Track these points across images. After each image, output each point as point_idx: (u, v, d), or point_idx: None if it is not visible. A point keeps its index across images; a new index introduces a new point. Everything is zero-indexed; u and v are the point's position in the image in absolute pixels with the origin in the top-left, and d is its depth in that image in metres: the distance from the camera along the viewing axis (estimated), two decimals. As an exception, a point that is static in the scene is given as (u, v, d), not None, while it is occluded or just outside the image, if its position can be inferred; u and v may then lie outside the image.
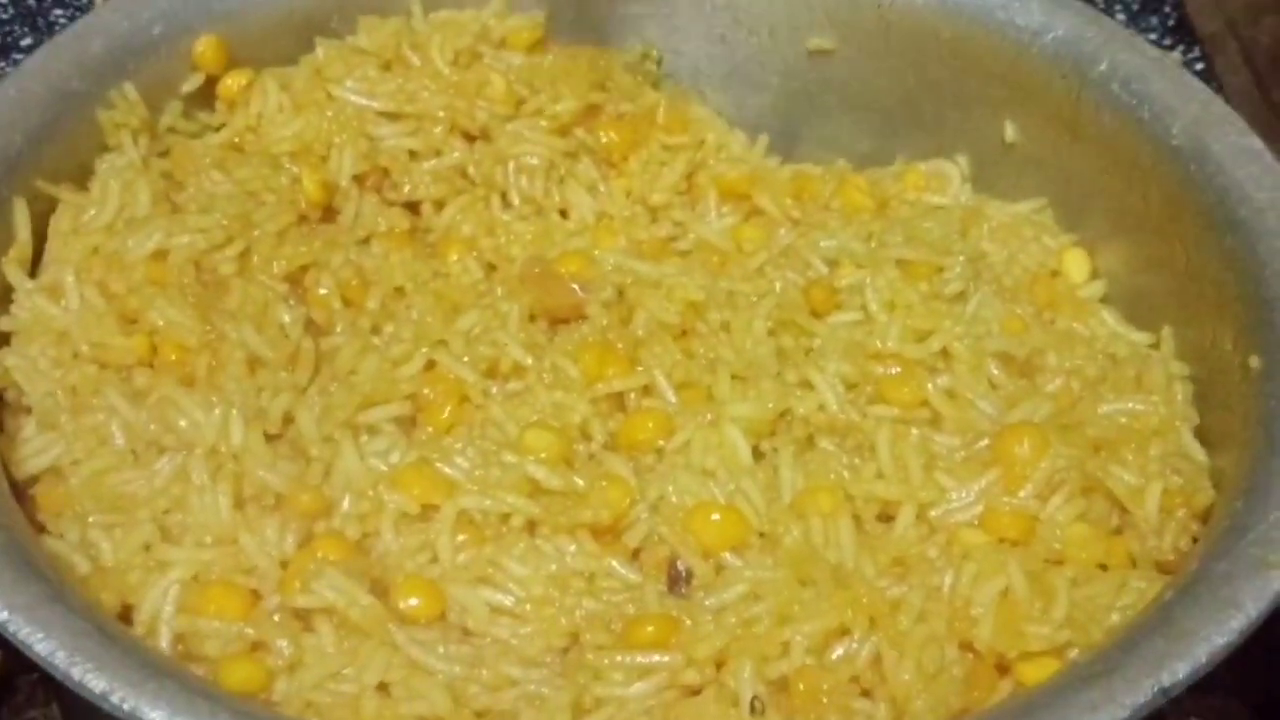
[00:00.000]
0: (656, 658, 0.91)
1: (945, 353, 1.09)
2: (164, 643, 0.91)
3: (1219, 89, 1.52)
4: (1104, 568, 0.99)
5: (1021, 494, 1.01)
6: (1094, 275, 1.21)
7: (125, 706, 0.80)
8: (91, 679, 0.80)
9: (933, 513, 1.01)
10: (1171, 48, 1.66)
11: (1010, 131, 1.27)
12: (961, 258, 1.15)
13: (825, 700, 0.89)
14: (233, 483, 0.96)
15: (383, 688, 0.90)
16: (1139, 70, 1.18)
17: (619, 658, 0.91)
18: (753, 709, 0.89)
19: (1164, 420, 1.07)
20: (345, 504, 0.97)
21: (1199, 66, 1.63)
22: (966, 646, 0.93)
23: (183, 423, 0.98)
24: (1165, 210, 1.15)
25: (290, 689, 0.89)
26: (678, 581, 0.97)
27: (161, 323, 1.03)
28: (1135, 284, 1.19)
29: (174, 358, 1.02)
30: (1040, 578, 0.95)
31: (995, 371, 1.09)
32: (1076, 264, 1.22)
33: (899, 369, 1.07)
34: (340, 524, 0.96)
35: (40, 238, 1.09)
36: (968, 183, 1.30)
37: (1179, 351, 1.12)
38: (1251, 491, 0.95)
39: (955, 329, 1.09)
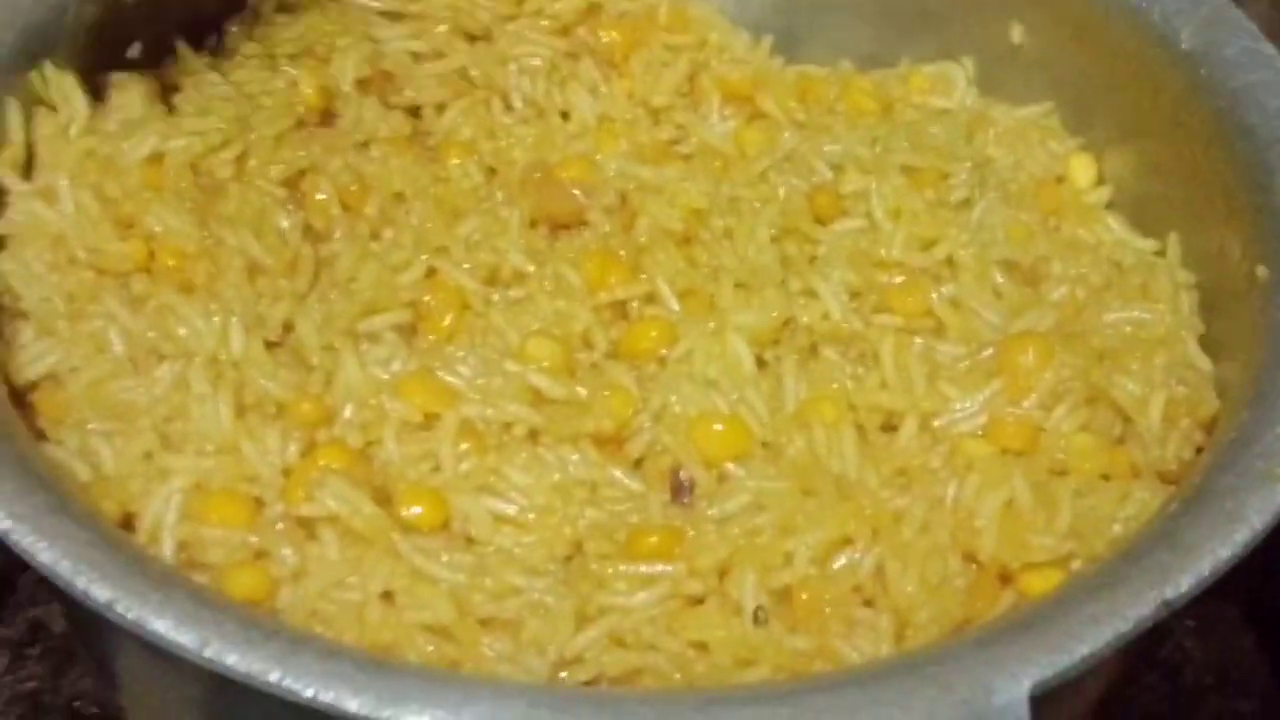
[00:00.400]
0: (660, 567, 0.91)
1: (950, 261, 1.09)
2: (167, 551, 0.90)
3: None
4: (1106, 478, 0.99)
5: (1025, 404, 1.00)
6: (1100, 181, 1.20)
7: (130, 616, 0.79)
8: (96, 589, 0.80)
9: (936, 422, 1.01)
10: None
11: (1017, 33, 1.25)
12: (967, 164, 1.14)
13: (828, 610, 0.89)
14: (233, 391, 0.95)
15: (387, 596, 0.90)
16: (1150, -28, 1.16)
17: (622, 567, 0.91)
18: (756, 618, 0.89)
19: (1169, 329, 1.06)
20: (347, 412, 0.96)
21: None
22: (970, 557, 0.93)
23: (182, 330, 0.97)
24: (1174, 115, 1.13)
25: (295, 597, 0.89)
26: (681, 491, 0.96)
27: (159, 229, 1.02)
28: (1142, 190, 1.18)
29: (172, 264, 1.01)
30: (1044, 488, 0.95)
31: (1000, 280, 1.08)
32: (1083, 169, 1.21)
33: (903, 278, 1.07)
34: (342, 432, 0.96)
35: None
36: (973, 86, 1.28)
37: (1185, 259, 1.11)
38: (1258, 402, 0.94)
39: (960, 237, 1.09)
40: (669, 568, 0.91)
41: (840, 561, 0.92)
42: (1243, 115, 1.08)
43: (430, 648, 0.87)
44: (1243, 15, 1.14)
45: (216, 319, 0.97)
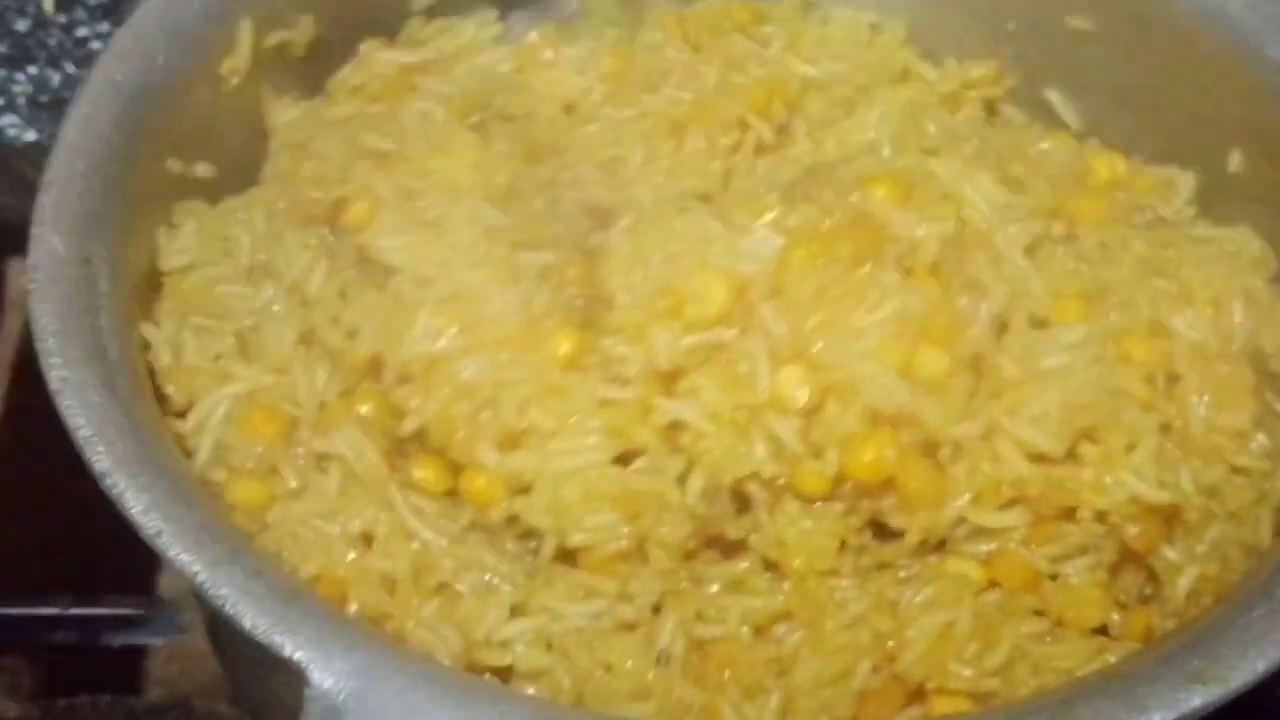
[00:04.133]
0: (603, 582, 0.96)
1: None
2: (206, 446, 1.01)
3: None
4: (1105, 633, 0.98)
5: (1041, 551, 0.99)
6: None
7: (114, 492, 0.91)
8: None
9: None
10: None
11: (1235, 161, 1.20)
12: None
13: (728, 673, 0.93)
14: (301, 321, 1.05)
15: (365, 539, 0.99)
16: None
17: (570, 573, 0.97)
18: (658, 659, 0.93)
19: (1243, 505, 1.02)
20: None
21: None
22: (890, 658, 0.94)
23: (281, 259, 1.08)
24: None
25: (283, 515, 0.99)
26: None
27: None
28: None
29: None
30: (989, 622, 0.94)
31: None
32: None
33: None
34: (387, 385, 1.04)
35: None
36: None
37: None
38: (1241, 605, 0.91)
39: None
40: (611, 585, 0.96)
41: (778, 630, 0.95)
42: None
43: (371, 597, 0.95)
44: None
45: (308, 255, 1.07)
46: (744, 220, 1.03)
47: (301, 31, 1.19)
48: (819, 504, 0.98)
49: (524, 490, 0.98)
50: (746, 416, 0.97)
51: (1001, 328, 1.04)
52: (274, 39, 1.18)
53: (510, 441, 0.98)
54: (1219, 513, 1.00)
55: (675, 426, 0.98)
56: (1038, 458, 0.98)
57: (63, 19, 1.71)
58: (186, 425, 1.02)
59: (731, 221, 1.03)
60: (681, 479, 0.98)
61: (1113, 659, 0.94)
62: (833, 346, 0.96)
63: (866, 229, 1.02)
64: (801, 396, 0.96)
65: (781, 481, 0.98)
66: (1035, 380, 0.99)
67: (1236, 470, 1.02)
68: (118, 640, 1.28)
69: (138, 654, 1.30)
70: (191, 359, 1.05)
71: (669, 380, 0.99)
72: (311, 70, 1.22)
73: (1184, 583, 0.99)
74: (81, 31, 1.70)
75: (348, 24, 1.22)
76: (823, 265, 0.99)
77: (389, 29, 1.24)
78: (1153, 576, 1.01)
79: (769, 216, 1.03)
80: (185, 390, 1.04)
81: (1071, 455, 0.99)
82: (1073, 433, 0.99)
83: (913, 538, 0.99)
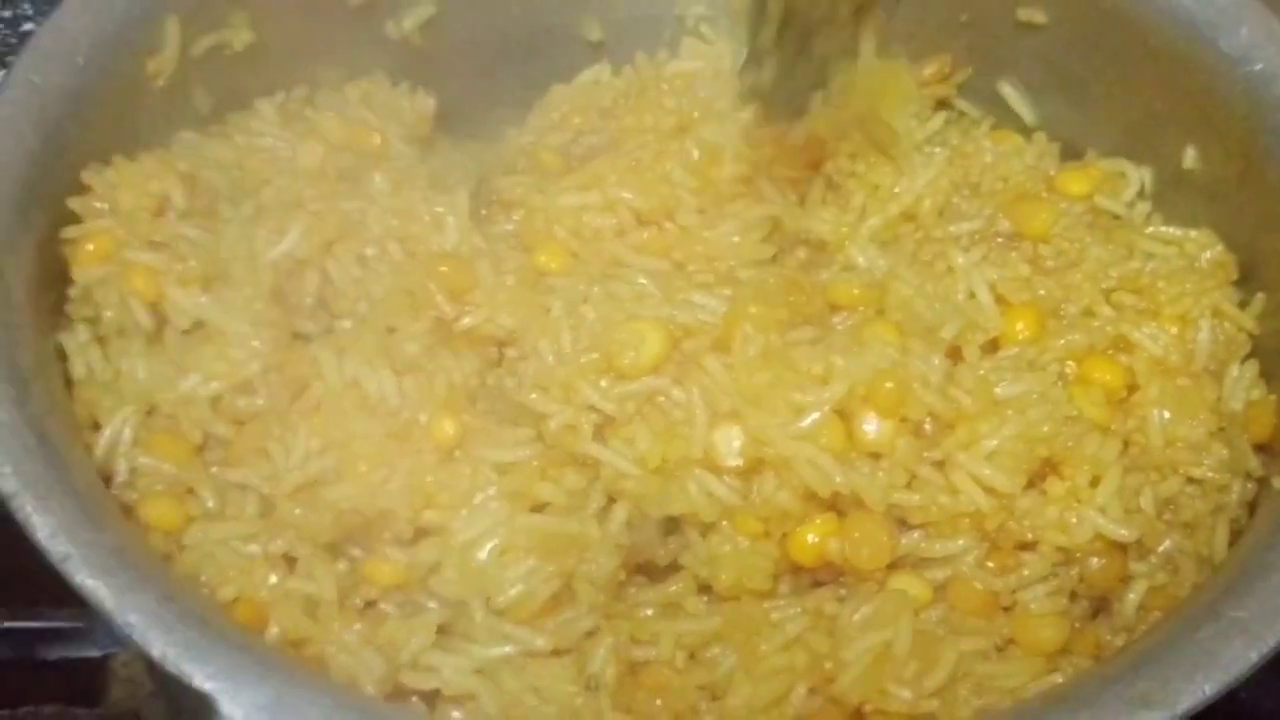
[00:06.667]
0: (532, 635, 0.93)
1: None
2: (121, 467, 0.98)
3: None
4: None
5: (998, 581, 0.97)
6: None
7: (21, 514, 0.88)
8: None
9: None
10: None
11: (1190, 157, 1.17)
12: None
13: (660, 701, 0.90)
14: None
15: (289, 561, 0.96)
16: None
17: (499, 625, 0.94)
18: (588, 684, 0.90)
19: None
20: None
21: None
22: (827, 680, 0.91)
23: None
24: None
25: (202, 537, 0.96)
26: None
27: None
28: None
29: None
30: (929, 641, 0.91)
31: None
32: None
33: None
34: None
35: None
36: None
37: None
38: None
39: None
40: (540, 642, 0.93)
41: (712, 652, 0.92)
42: None
43: (292, 620, 0.92)
44: None
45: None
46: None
47: (236, 34, 1.15)
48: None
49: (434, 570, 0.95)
50: (679, 467, 0.95)
51: (954, 353, 1.01)
52: (205, 42, 1.14)
53: (413, 537, 0.96)
54: (1174, 523, 0.98)
55: (593, 471, 0.97)
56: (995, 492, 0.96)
57: (8, 13, 1.66)
58: (99, 445, 0.99)
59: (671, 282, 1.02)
60: (601, 515, 0.95)
61: (1060, 678, 0.91)
62: (771, 422, 0.95)
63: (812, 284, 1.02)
64: (736, 458, 0.95)
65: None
66: (992, 411, 0.97)
67: (1193, 481, 0.99)
68: (54, 654, 1.25)
69: (94, 665, 1.26)
70: (101, 373, 1.01)
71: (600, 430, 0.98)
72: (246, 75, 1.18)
73: (1133, 597, 0.96)
74: (27, 27, 1.66)
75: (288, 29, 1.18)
76: (772, 323, 0.97)
77: (325, 35, 1.21)
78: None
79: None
80: (92, 407, 1.00)
81: (1032, 485, 0.96)
82: (1032, 465, 0.97)
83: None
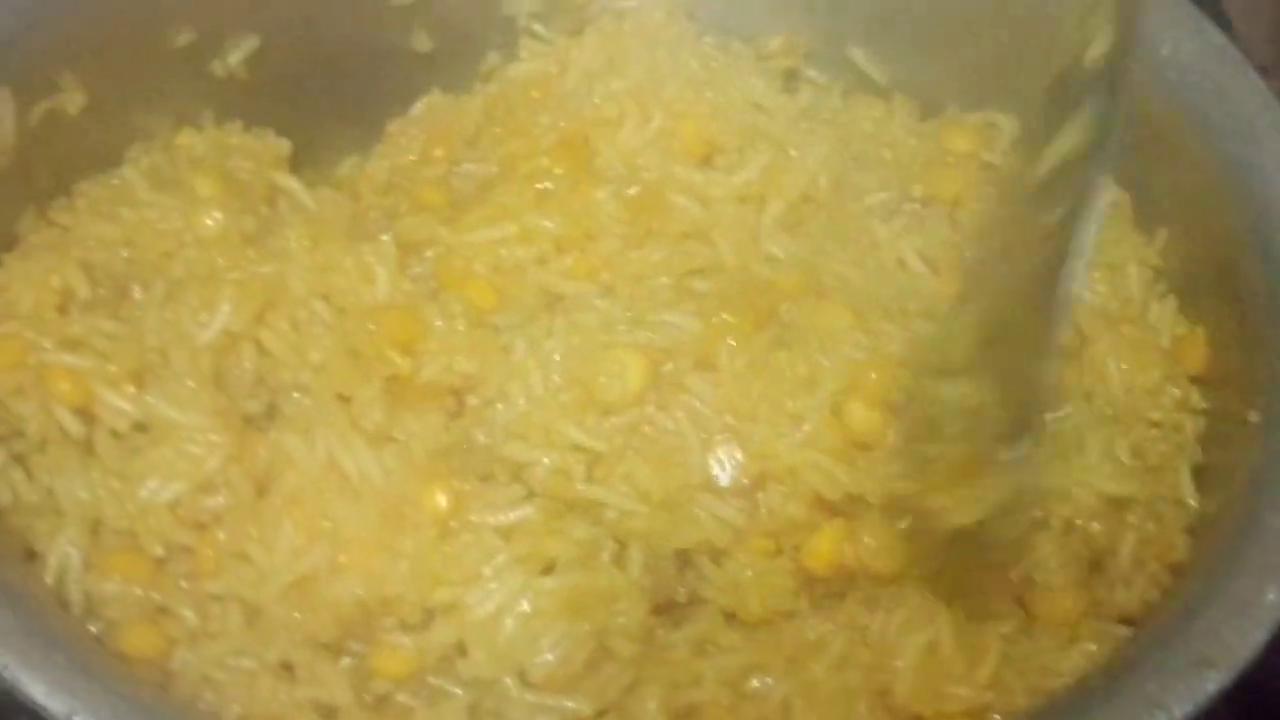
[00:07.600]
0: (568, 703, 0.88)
1: None
2: (76, 598, 0.89)
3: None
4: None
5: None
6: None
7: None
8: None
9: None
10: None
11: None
12: None
13: (728, 738, 0.87)
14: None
15: (288, 667, 0.89)
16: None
17: (529, 698, 0.88)
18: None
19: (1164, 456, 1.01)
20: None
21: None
22: (882, 698, 0.90)
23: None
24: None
25: (191, 659, 0.88)
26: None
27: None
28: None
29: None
30: (971, 631, 0.91)
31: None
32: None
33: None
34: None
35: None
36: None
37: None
38: (1225, 558, 0.90)
39: None
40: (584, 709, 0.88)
41: (753, 684, 0.89)
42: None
43: (309, 727, 0.86)
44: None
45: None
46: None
47: (69, 97, 1.05)
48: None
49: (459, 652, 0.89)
50: (681, 495, 0.92)
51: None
52: (39, 110, 1.04)
53: (422, 619, 0.89)
54: (1144, 469, 0.99)
55: (594, 515, 0.93)
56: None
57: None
58: (48, 575, 0.89)
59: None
60: (617, 560, 0.92)
61: (1094, 646, 0.92)
62: (771, 434, 0.93)
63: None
64: (739, 477, 0.93)
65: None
66: None
67: (1154, 425, 1.01)
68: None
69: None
70: (27, 495, 0.92)
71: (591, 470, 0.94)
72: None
73: (1126, 550, 0.97)
74: None
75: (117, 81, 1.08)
76: (749, 331, 0.95)
77: (154, 82, 1.11)
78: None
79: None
80: (24, 535, 0.91)
81: None
82: None
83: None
